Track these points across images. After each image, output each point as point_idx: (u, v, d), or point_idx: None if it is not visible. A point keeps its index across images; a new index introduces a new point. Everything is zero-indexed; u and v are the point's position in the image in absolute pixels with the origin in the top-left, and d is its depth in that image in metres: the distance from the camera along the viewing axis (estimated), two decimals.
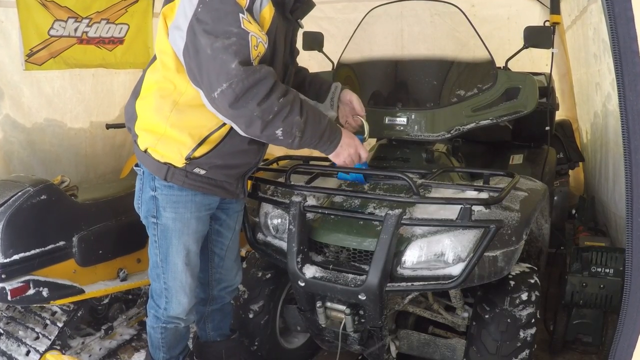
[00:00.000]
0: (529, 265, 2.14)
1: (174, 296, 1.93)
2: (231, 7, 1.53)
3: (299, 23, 1.86)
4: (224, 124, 1.73)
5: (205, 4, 1.52)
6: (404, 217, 1.80)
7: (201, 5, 1.53)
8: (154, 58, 1.81)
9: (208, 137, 1.75)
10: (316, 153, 2.08)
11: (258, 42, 1.56)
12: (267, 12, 1.64)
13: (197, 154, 1.75)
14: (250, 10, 1.58)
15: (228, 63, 1.49)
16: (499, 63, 2.30)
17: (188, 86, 1.68)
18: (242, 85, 1.50)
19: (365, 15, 2.51)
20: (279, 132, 1.59)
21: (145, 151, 1.80)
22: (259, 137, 1.63)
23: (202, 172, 1.79)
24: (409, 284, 1.83)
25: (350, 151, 1.79)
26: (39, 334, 2.41)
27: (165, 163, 1.77)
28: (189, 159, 1.75)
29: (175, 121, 1.72)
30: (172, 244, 1.87)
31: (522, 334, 1.90)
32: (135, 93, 1.84)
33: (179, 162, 1.77)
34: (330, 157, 1.81)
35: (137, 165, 1.91)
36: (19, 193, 2.22)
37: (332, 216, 1.98)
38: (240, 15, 1.53)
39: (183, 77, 1.68)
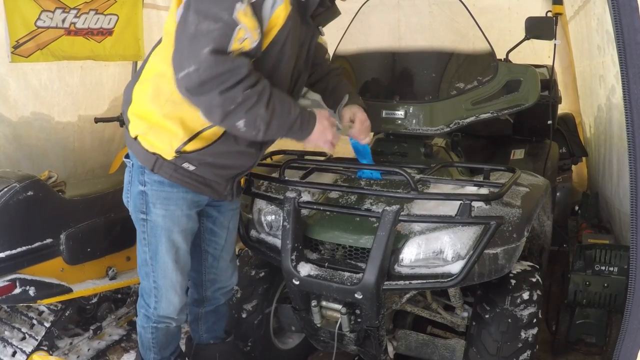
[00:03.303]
0: (531, 264, 2.11)
1: (164, 295, 1.89)
2: None
3: (320, 30, 1.80)
4: None
5: None
6: (402, 213, 1.77)
7: None
8: (159, 41, 1.75)
9: (201, 132, 1.69)
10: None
11: (245, 37, 1.49)
12: (282, 10, 1.56)
13: (189, 148, 1.70)
14: (255, 5, 1.51)
15: (202, 48, 1.45)
16: (500, 55, 2.30)
17: None
18: (208, 72, 1.45)
19: (362, 6, 2.47)
20: (240, 123, 1.55)
21: (135, 138, 1.75)
22: (219, 125, 1.61)
23: (192, 167, 1.74)
24: (407, 282, 1.80)
25: (324, 138, 1.74)
26: (26, 334, 2.38)
27: (154, 153, 1.72)
28: (179, 152, 1.70)
29: (169, 112, 1.67)
30: (161, 241, 1.82)
31: (523, 335, 1.87)
32: (137, 76, 1.79)
33: (169, 155, 1.71)
34: (301, 142, 1.77)
35: (127, 156, 1.85)
36: (5, 189, 2.19)
37: (328, 212, 1.96)
38: (237, 4, 1.46)
39: None
